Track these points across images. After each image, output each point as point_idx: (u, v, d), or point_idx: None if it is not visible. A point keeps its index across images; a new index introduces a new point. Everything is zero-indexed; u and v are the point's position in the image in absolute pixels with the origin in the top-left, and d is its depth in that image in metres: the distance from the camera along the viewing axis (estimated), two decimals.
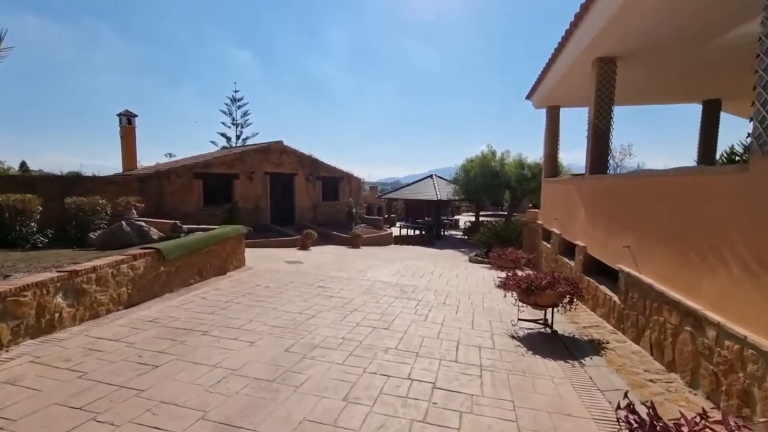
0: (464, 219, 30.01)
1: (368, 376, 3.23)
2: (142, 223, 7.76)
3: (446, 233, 23.41)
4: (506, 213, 21.17)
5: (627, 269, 4.46)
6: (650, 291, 3.87)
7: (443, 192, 21.44)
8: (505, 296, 5.04)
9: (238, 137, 35.22)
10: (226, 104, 35.66)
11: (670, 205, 3.71)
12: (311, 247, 13.59)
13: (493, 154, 19.47)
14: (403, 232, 21.73)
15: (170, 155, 33.08)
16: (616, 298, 4.75)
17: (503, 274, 9.03)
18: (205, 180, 13.95)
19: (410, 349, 3.90)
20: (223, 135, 34.97)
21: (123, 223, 7.39)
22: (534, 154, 19.09)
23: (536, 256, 9.51)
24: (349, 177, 19.65)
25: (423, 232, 20.91)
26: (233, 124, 35.86)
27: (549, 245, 8.61)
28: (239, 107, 35.73)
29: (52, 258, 5.44)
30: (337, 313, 5.04)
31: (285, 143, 16.67)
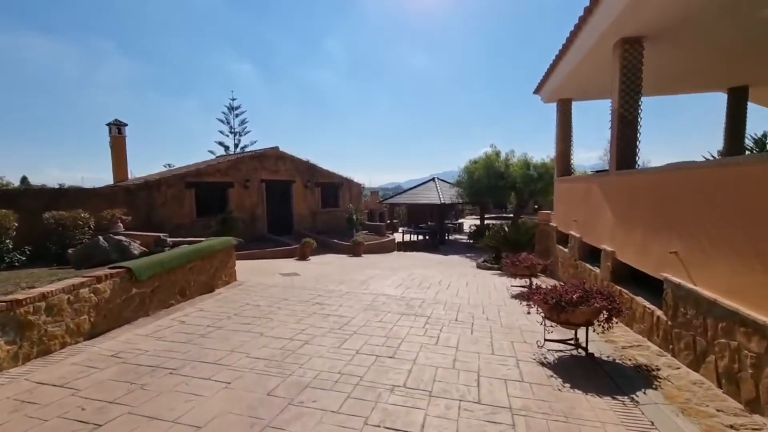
0: (469, 222, 29.32)
1: (371, 430, 2.54)
2: (122, 238, 7.10)
3: (450, 237, 22.71)
4: (512, 215, 20.46)
5: (675, 279, 3.76)
6: (713, 307, 3.17)
7: (446, 195, 20.77)
8: (528, 312, 4.34)
9: (236, 145, 34.70)
10: (224, 113, 35.20)
11: (737, 201, 3.02)
12: (310, 257, 12.91)
13: (498, 154, 18.81)
14: (407, 237, 21.05)
15: (169, 165, 32.57)
16: (660, 312, 4.05)
17: (517, 282, 8.40)
18: (198, 189, 13.33)
19: (421, 386, 3.20)
20: (221, 144, 34.47)
21: (100, 238, 6.74)
22: (539, 153, 18.41)
23: (552, 261, 8.80)
24: (349, 183, 19.02)
25: (427, 237, 20.22)
26: (231, 132, 35.36)
27: (566, 250, 7.91)
28: (237, 115, 35.25)
29: (14, 279, 4.79)
30: (334, 337, 4.35)
31: (281, 149, 16.06)
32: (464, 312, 5.64)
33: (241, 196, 14.56)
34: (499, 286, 8.13)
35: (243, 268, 9.50)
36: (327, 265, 11.04)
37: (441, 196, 20.51)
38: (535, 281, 7.71)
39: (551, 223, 9.47)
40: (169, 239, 7.42)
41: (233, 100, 35.24)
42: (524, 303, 4.57)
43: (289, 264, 11.02)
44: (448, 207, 24.26)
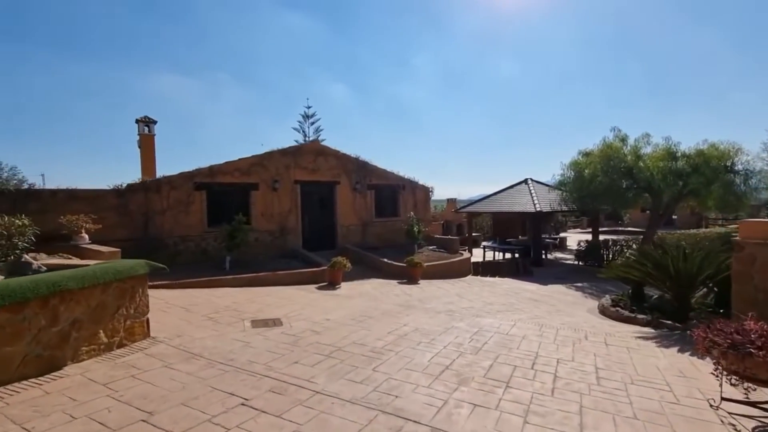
0: (575, 237, 23.12)
1: None
2: (29, 257, 4.32)
3: (550, 256, 17.25)
4: (647, 229, 14.43)
5: None
6: None
7: (543, 201, 15.57)
8: None
9: None
10: (299, 121, 34.12)
11: None
12: (342, 284, 9.25)
13: (623, 141, 13.20)
14: (489, 256, 16.28)
15: None
16: None
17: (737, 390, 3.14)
18: (211, 192, 10.67)
19: None
20: None
21: None
22: (686, 140, 12.50)
23: None
24: (412, 186, 15.10)
25: (516, 256, 15.24)
26: (305, 140, 34.16)
27: None
28: (312, 123, 34.01)
29: None
30: None
31: (324, 143, 12.87)
32: None
33: (267, 200, 11.61)
34: (684, 387, 3.44)
35: (207, 304, 6.18)
36: (350, 302, 7.20)
37: (536, 202, 15.39)
38: None
39: None
40: (37, 262, 4.32)
41: (308, 108, 34.04)
42: None
43: (298, 296, 7.45)
44: (546, 217, 18.78)
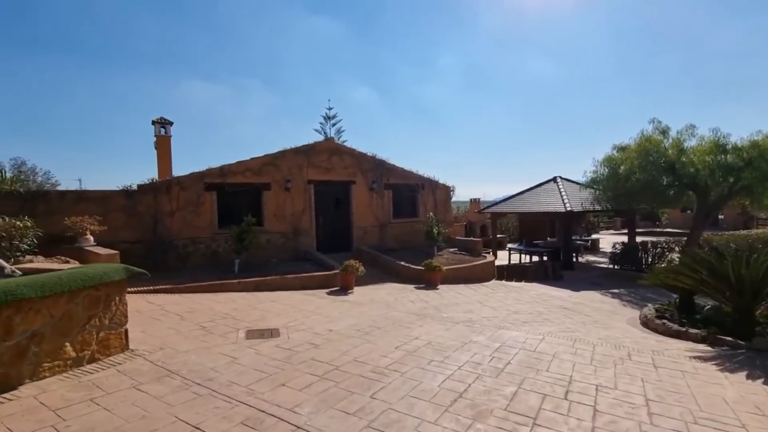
0: (608, 239, 21.77)
1: None
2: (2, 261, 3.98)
3: (581, 259, 16.14)
4: (691, 230, 13.18)
5: None
6: None
7: (574, 201, 14.52)
8: None
9: None
10: (320, 123, 34.10)
11: None
12: (354, 288, 8.71)
13: (664, 133, 12.04)
14: (515, 258, 15.36)
15: None
16: None
17: None
18: (222, 193, 10.36)
19: None
20: None
21: None
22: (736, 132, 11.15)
23: None
24: (432, 185, 14.39)
25: (545, 259, 14.28)
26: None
27: None
28: (333, 124, 33.90)
29: None
30: None
31: (337, 141, 12.39)
32: None
33: (280, 201, 11.21)
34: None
35: (205, 311, 5.74)
36: (359, 309, 6.61)
37: (567, 201, 14.37)
38: None
39: None
40: (11, 267, 3.96)
41: (330, 109, 33.90)
42: None
43: (305, 302, 6.93)
44: (577, 217, 17.67)
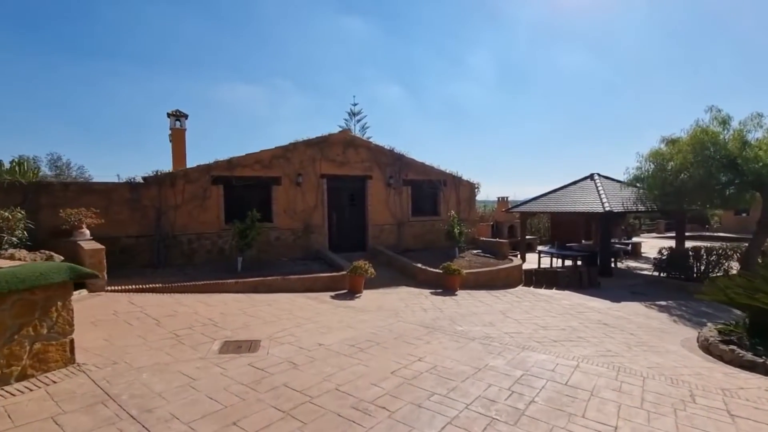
0: (650, 243, 19.98)
1: None
2: None
3: (621, 265, 14.68)
4: (754, 234, 11.56)
5: None
6: None
7: (614, 200, 13.13)
8: None
9: None
10: (345, 119, 33.63)
11: None
12: (364, 292, 7.96)
13: (724, 123, 10.51)
14: (545, 262, 14.13)
15: None
16: None
17: None
18: (229, 186, 9.85)
19: None
20: None
21: None
22: None
23: None
24: (455, 181, 13.40)
25: (579, 264, 13.00)
26: None
27: None
28: (358, 120, 33.33)
29: None
30: None
31: (354, 134, 11.66)
32: None
33: (290, 196, 10.60)
34: None
35: (187, 315, 5.14)
36: (362, 317, 5.81)
37: (606, 200, 13.00)
38: None
39: None
40: None
41: (354, 105, 33.36)
42: None
43: (302, 308, 6.21)
44: (617, 218, 16.13)
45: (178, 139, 12.87)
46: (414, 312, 6.67)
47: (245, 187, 10.00)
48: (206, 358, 3.91)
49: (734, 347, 4.94)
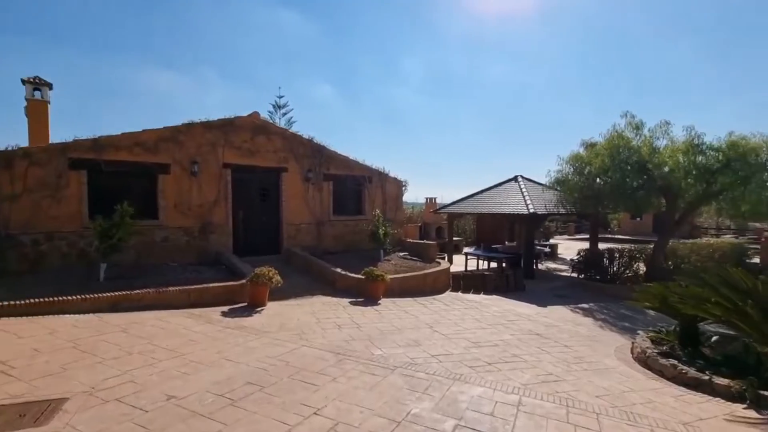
0: (564, 245, 20.97)
1: None
2: None
3: (541, 266, 14.91)
4: (638, 237, 12.18)
5: None
6: None
7: (538, 202, 13.16)
8: None
9: None
10: (269, 111, 31.17)
11: None
12: (269, 304, 6.54)
13: (638, 129, 10.83)
14: (472, 264, 13.79)
15: None
16: None
17: None
18: (96, 173, 7.76)
19: None
20: None
21: None
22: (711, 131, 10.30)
23: None
24: (381, 178, 12.42)
25: (504, 266, 12.79)
26: None
27: None
28: (284, 114, 31.06)
29: None
30: None
31: (262, 116, 10.11)
32: None
33: (183, 188, 8.74)
34: None
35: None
36: (253, 343, 4.44)
37: (530, 202, 12.96)
38: None
39: None
40: None
41: (280, 97, 31.10)
42: None
43: (171, 333, 4.64)
44: (540, 220, 16.46)
45: (37, 112, 10.16)
46: (325, 330, 5.43)
47: (120, 174, 7.95)
48: None
49: (675, 362, 4.48)
